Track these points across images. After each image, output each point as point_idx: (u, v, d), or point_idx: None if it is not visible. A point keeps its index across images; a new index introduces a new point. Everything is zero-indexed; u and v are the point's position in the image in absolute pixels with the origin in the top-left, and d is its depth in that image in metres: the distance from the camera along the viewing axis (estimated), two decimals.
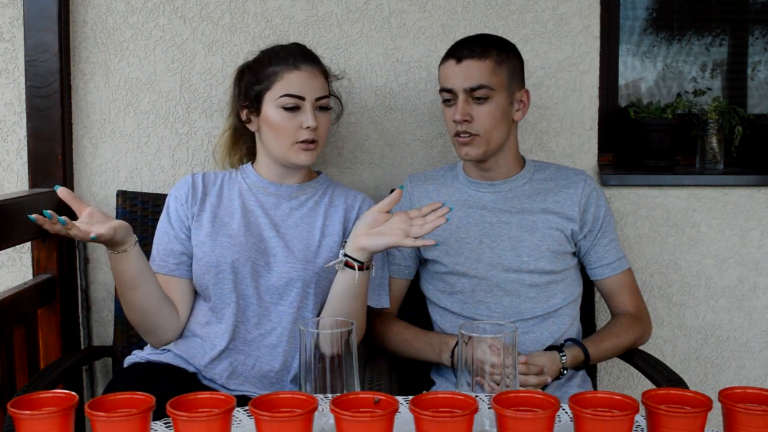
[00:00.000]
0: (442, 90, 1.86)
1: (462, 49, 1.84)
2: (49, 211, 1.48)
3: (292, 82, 1.78)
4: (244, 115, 1.86)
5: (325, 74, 1.85)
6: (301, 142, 1.78)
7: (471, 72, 1.80)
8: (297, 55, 1.81)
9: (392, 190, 2.13)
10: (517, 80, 1.88)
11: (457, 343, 1.68)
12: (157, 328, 1.78)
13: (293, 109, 1.78)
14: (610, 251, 1.92)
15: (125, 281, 1.69)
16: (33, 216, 1.47)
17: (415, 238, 1.58)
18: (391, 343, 1.91)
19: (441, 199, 1.92)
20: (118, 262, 1.66)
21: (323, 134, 1.82)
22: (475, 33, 1.97)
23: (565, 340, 1.85)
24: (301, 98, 1.77)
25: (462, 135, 1.82)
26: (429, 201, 1.92)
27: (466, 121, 1.80)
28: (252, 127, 1.87)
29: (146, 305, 1.73)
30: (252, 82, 1.83)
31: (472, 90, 1.80)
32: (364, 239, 1.63)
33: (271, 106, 1.79)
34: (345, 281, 1.68)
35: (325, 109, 1.82)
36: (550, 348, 1.81)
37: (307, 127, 1.77)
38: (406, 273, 1.96)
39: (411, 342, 1.87)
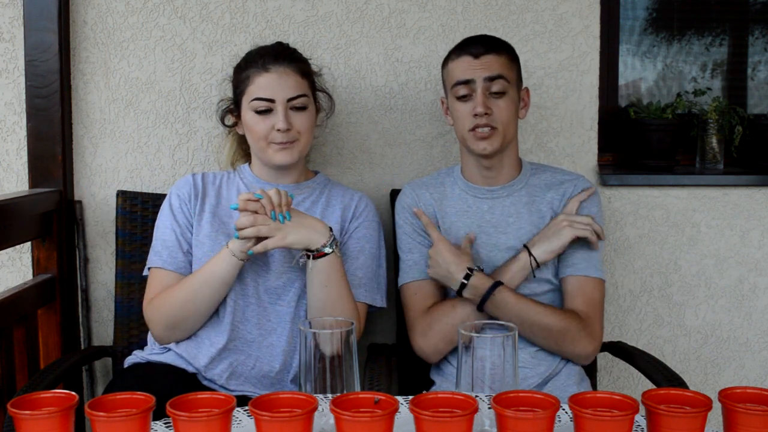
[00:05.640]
0: (459, 84, 1.83)
1: (475, 46, 1.84)
2: (259, 192, 1.66)
3: (261, 84, 1.78)
4: (233, 118, 1.89)
5: (303, 72, 1.84)
6: (276, 143, 1.79)
7: (490, 64, 1.82)
8: (267, 57, 1.80)
9: (391, 190, 2.14)
10: (521, 79, 1.92)
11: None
12: (193, 328, 1.78)
13: (265, 111, 1.78)
14: (582, 255, 1.85)
15: (218, 282, 1.71)
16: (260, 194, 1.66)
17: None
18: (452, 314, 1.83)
19: (441, 209, 1.92)
20: (234, 267, 1.70)
21: (302, 133, 1.81)
22: (475, 33, 1.97)
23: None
24: (271, 101, 1.77)
25: (481, 129, 1.82)
26: (431, 210, 1.92)
27: (487, 114, 1.80)
28: (239, 131, 1.90)
29: (207, 307, 1.75)
30: (233, 86, 1.87)
31: (492, 80, 1.81)
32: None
33: (246, 109, 1.81)
34: (308, 272, 1.72)
35: (301, 108, 1.81)
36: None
37: (278, 129, 1.77)
38: None
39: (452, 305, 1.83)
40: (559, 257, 1.86)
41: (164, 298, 1.75)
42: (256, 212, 1.66)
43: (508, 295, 1.76)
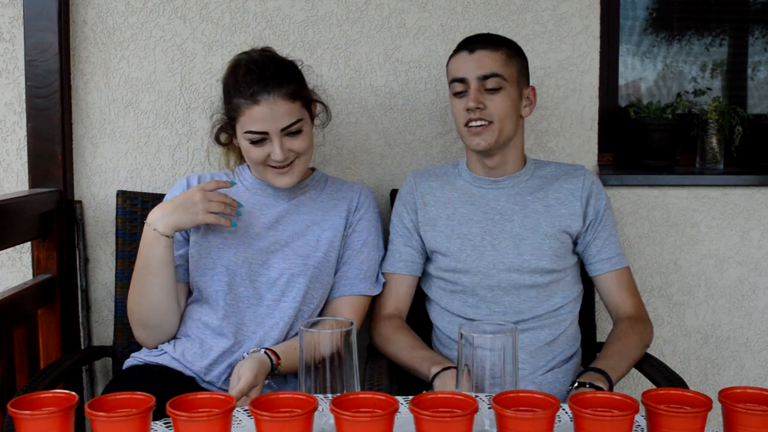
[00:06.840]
0: (454, 81, 1.85)
1: (474, 42, 1.85)
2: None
3: (253, 118, 1.72)
4: (227, 136, 1.84)
5: (293, 95, 1.74)
6: (274, 167, 1.77)
7: (484, 61, 1.82)
8: (255, 86, 1.71)
9: (391, 190, 2.14)
10: (525, 78, 1.90)
11: (444, 368, 1.66)
12: (162, 323, 1.78)
13: (260, 141, 1.74)
14: (610, 246, 1.91)
15: (152, 265, 1.71)
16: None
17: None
18: (394, 348, 1.86)
19: (445, 195, 1.92)
20: (159, 244, 1.70)
21: (301, 153, 1.77)
22: (476, 33, 1.97)
23: (582, 371, 1.74)
24: (265, 133, 1.73)
25: (474, 124, 1.82)
26: (433, 197, 1.93)
27: (479, 108, 1.80)
28: (236, 144, 1.84)
29: (159, 297, 1.74)
30: (224, 104, 1.80)
31: (485, 78, 1.81)
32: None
33: (240, 136, 1.77)
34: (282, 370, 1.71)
35: (297, 132, 1.75)
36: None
37: (275, 159, 1.75)
38: (414, 269, 1.93)
39: (411, 350, 1.83)
40: (589, 252, 1.90)
41: (128, 299, 1.79)
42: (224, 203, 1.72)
43: (614, 367, 1.73)
